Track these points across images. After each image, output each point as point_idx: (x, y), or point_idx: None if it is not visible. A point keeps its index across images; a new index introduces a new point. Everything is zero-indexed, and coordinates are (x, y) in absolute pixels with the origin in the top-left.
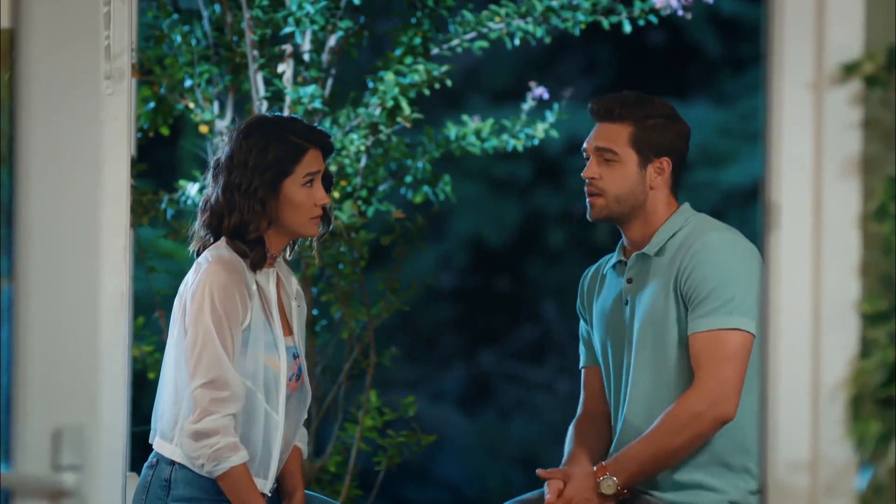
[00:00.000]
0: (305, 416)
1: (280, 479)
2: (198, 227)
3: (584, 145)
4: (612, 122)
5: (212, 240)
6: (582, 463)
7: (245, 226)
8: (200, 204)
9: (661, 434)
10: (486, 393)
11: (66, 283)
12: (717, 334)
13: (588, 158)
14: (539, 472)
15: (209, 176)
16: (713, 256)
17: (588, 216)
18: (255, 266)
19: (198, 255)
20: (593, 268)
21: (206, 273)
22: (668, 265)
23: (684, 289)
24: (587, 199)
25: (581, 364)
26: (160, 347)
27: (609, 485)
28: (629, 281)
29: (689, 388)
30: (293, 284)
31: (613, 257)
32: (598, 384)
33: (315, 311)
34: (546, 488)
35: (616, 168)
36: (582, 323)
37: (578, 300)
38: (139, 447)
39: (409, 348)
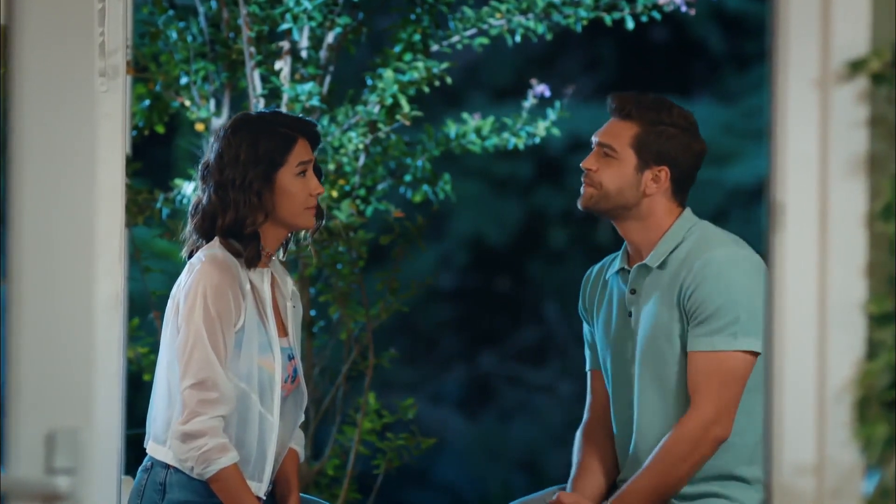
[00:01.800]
0: (302, 419)
1: (276, 483)
2: (189, 231)
3: (593, 136)
4: (622, 119)
5: (204, 244)
6: (593, 477)
7: (241, 221)
8: (190, 209)
9: (664, 465)
10: (486, 395)
11: (59, 284)
12: (720, 356)
13: (593, 149)
14: (560, 495)
15: (198, 179)
16: (718, 274)
17: (578, 203)
18: (250, 263)
19: (190, 257)
20: (595, 269)
21: (198, 273)
22: (671, 280)
23: (687, 305)
24: (581, 187)
25: (587, 367)
26: (155, 349)
27: None
28: (632, 292)
29: (687, 413)
30: (288, 285)
31: (616, 263)
32: (605, 388)
33: (313, 312)
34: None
35: (613, 165)
36: (585, 325)
37: (581, 302)
38: (134, 450)
39: (409, 350)
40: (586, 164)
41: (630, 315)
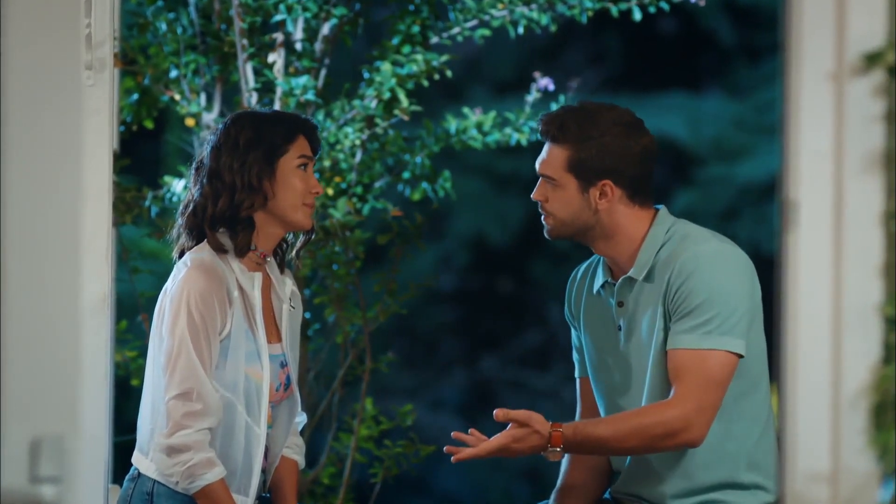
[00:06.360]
0: (300, 428)
1: (272, 493)
2: (178, 230)
3: (536, 164)
4: (553, 143)
5: (193, 245)
6: (577, 494)
7: (237, 205)
8: (181, 207)
9: (627, 432)
10: (487, 401)
11: (45, 285)
12: (702, 354)
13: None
14: (496, 412)
15: (190, 176)
16: (702, 269)
17: (545, 234)
18: (241, 252)
19: (180, 258)
20: (580, 273)
21: (183, 279)
22: (658, 287)
23: (671, 303)
24: (542, 218)
25: (577, 374)
26: (143, 352)
27: (554, 455)
28: (620, 304)
29: (671, 401)
30: (287, 286)
31: (599, 275)
32: (594, 396)
33: (308, 315)
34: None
35: (558, 192)
36: (573, 331)
37: (566, 308)
38: (122, 458)
39: (407, 353)
40: (535, 197)
41: (620, 329)
